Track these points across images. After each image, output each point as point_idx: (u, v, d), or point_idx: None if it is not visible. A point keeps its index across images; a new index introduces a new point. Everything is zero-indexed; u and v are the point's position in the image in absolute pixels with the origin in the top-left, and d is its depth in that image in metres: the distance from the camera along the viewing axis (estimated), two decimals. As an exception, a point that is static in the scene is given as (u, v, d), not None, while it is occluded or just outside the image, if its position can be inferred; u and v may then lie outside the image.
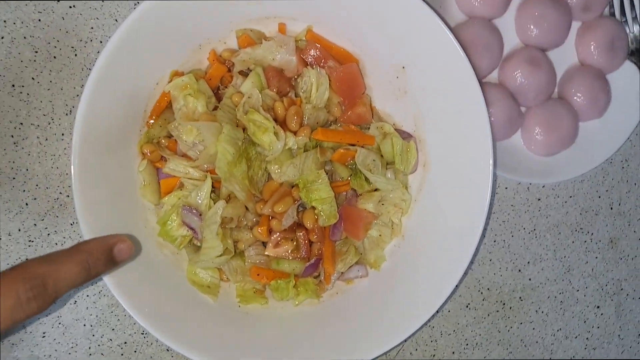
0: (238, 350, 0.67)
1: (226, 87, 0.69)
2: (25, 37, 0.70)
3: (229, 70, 0.69)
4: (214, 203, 0.65)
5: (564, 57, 0.82)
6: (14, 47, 0.70)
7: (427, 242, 0.71)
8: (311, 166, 0.67)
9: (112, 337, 0.74)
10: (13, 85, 0.70)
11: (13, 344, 0.71)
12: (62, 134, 0.71)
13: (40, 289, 0.46)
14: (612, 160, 0.86)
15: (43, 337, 0.72)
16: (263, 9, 0.68)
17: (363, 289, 0.72)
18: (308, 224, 0.68)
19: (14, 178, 0.70)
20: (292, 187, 0.68)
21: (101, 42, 0.72)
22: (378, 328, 0.68)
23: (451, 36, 0.64)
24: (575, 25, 0.82)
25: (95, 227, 0.62)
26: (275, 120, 0.66)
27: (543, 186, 0.84)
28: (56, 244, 0.72)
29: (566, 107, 0.80)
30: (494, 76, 0.81)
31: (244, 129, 0.66)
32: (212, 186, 0.66)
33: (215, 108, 0.67)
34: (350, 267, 0.71)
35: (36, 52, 0.70)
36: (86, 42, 0.71)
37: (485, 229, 0.81)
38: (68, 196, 0.72)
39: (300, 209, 0.69)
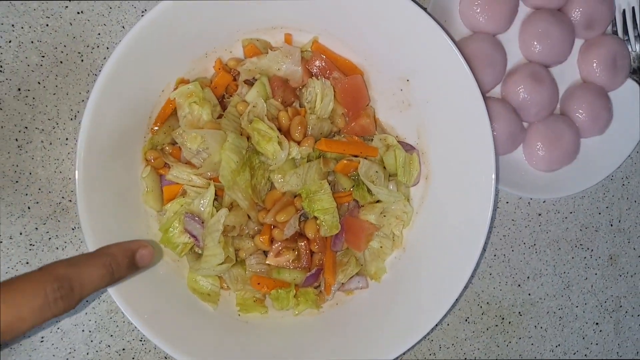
0: (237, 358, 0.67)
1: (231, 95, 0.69)
2: (32, 42, 0.70)
3: (235, 79, 0.70)
4: (217, 211, 0.65)
5: (567, 74, 0.83)
6: (21, 52, 0.70)
7: (428, 254, 0.71)
8: (314, 176, 0.67)
9: (111, 343, 0.73)
10: (19, 89, 0.70)
11: (11, 349, 0.71)
12: (67, 139, 0.72)
13: (67, 289, 0.47)
14: (613, 177, 0.87)
15: (41, 342, 0.72)
16: (270, 20, 0.68)
17: (363, 300, 0.72)
18: (310, 234, 0.68)
19: (17, 181, 0.70)
20: (295, 196, 0.68)
21: (108, 48, 0.72)
22: (377, 340, 0.68)
23: (456, 50, 0.64)
24: (578, 42, 0.83)
25: (98, 232, 0.62)
26: (280, 129, 0.67)
27: (544, 201, 0.85)
28: (57, 248, 0.72)
29: (568, 124, 0.81)
30: (497, 91, 0.81)
31: (248, 138, 0.66)
32: (215, 194, 0.66)
33: (220, 116, 0.68)
34: (350, 278, 0.72)
35: (43, 56, 0.71)
36: (93, 48, 0.72)
37: (485, 243, 0.81)
38: (70, 201, 0.72)
39: (302, 218, 0.69)
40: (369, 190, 0.70)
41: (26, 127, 0.71)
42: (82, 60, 0.72)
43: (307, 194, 0.67)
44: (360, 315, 0.71)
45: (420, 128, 0.72)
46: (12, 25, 0.70)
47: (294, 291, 0.70)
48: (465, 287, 0.78)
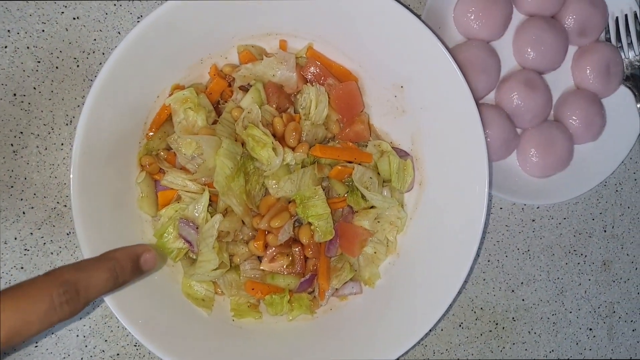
0: (231, 364, 0.67)
1: (226, 101, 0.70)
2: (28, 47, 0.71)
3: (230, 85, 0.70)
4: (211, 216, 0.65)
5: (560, 81, 0.83)
6: (17, 57, 0.70)
7: (421, 260, 0.71)
8: (308, 182, 0.68)
9: (105, 348, 0.73)
10: (14, 94, 0.70)
11: (5, 354, 0.71)
12: (62, 144, 0.72)
13: (73, 294, 0.48)
14: (606, 183, 0.87)
15: (35, 347, 0.72)
16: (265, 26, 0.69)
17: (357, 305, 0.73)
18: (304, 239, 0.68)
19: (12, 186, 0.70)
20: (289, 202, 0.68)
21: (103, 54, 0.72)
22: (371, 345, 0.69)
23: (449, 57, 0.65)
24: (572, 49, 0.83)
25: (92, 238, 0.62)
26: (274, 135, 0.67)
27: (538, 207, 0.85)
28: (52, 253, 0.72)
29: (561, 130, 0.81)
30: (490, 97, 0.82)
31: (243, 144, 0.67)
32: (210, 200, 0.66)
33: (215, 122, 0.68)
34: (344, 283, 0.72)
35: (39, 62, 0.71)
36: (89, 54, 0.72)
37: (479, 249, 0.82)
38: (65, 206, 0.72)
39: (297, 224, 0.69)
40: (363, 196, 0.71)
41: (21, 132, 0.71)
42: (77, 66, 0.72)
43: (301, 200, 0.67)
44: (354, 321, 0.71)
45: (415, 134, 0.72)
46: (8, 30, 0.70)
47: (288, 296, 0.70)
48: (459, 293, 0.78)
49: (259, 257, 0.70)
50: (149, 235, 0.68)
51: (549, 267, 0.86)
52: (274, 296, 0.69)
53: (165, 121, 0.68)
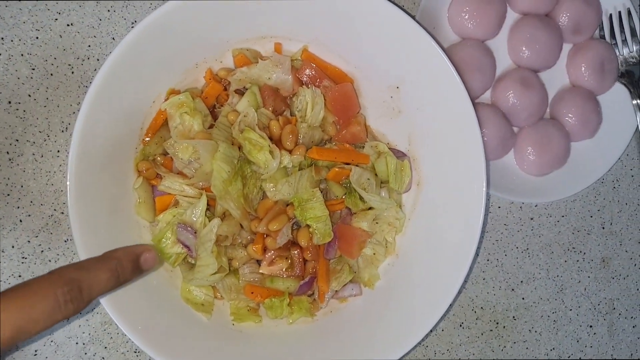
0: (231, 369, 0.67)
1: (222, 105, 0.70)
2: (22, 55, 0.70)
3: (225, 89, 0.70)
4: (209, 221, 0.65)
5: (556, 79, 0.83)
6: (11, 64, 0.70)
7: (421, 260, 0.71)
8: (306, 185, 0.67)
9: (105, 355, 0.73)
10: (9, 102, 0.70)
11: (7, 352, 0.70)
12: (58, 151, 0.72)
13: (76, 292, 0.49)
14: (604, 180, 0.87)
15: (35, 355, 0.71)
16: (259, 29, 0.69)
17: (357, 307, 0.72)
18: (302, 242, 0.68)
19: (8, 195, 0.70)
20: (287, 205, 0.68)
21: (98, 60, 0.72)
22: (372, 347, 0.68)
23: (444, 57, 0.65)
24: (567, 47, 0.83)
25: (90, 244, 0.62)
26: (271, 138, 0.67)
27: (536, 205, 0.85)
28: (49, 260, 0.71)
29: (558, 128, 0.81)
30: (486, 97, 0.82)
31: (240, 147, 0.67)
32: (207, 204, 0.66)
33: (211, 126, 0.68)
34: (344, 285, 0.72)
35: (33, 69, 0.71)
36: (83, 60, 0.72)
37: (478, 248, 0.82)
38: (62, 213, 0.72)
39: (295, 227, 0.69)
40: (361, 198, 0.71)
41: (17, 140, 0.70)
42: (72, 72, 0.72)
43: (299, 203, 0.67)
44: (354, 323, 0.71)
45: (411, 135, 0.72)
46: (2, 38, 0.70)
47: (288, 300, 0.70)
48: (459, 293, 0.78)
49: (257, 260, 0.69)
50: (147, 241, 0.68)
51: (548, 265, 0.86)
52: (273, 299, 0.69)
53: (161, 126, 0.68)
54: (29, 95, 0.71)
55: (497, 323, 0.84)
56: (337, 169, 0.70)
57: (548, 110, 0.84)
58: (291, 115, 0.70)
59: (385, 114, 0.73)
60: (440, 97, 0.68)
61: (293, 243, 0.69)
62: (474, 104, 0.67)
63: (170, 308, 0.68)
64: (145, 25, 0.61)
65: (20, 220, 0.71)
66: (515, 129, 0.82)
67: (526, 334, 0.85)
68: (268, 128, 0.68)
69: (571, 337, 0.87)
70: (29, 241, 0.71)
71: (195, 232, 0.65)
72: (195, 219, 0.65)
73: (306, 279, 0.69)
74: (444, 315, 0.68)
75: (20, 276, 0.71)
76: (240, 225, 0.67)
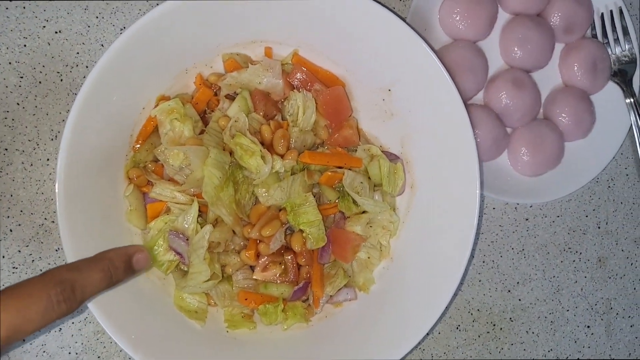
0: (226, 376, 0.67)
1: (213, 111, 0.69)
2: (10, 63, 0.70)
3: (216, 94, 0.70)
4: (201, 227, 0.64)
5: (548, 79, 0.83)
6: (-1, 73, 0.70)
7: (416, 263, 0.71)
8: (298, 189, 0.67)
9: (98, 365, 0.72)
10: (-2, 111, 0.70)
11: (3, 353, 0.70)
12: (47, 159, 0.71)
13: (69, 292, 0.50)
14: (599, 180, 0.87)
15: (27, 366, 0.71)
16: (249, 34, 0.68)
17: (352, 312, 0.72)
18: (296, 247, 0.67)
19: (-2, 204, 0.70)
20: (280, 210, 0.68)
21: (87, 67, 0.72)
22: (368, 352, 0.68)
23: (436, 59, 0.64)
24: (559, 47, 0.83)
25: (80, 253, 0.61)
26: (262, 143, 0.66)
27: (530, 206, 0.85)
28: (41, 270, 0.71)
29: (551, 128, 0.81)
30: (479, 98, 0.81)
31: (231, 153, 0.66)
32: (199, 210, 0.65)
33: (202, 132, 0.67)
34: (339, 290, 0.71)
35: (21, 77, 0.70)
36: (72, 67, 0.71)
37: (473, 250, 0.81)
38: (53, 222, 0.71)
39: (288, 232, 0.68)
40: (354, 201, 0.70)
41: (6, 149, 0.70)
42: (61, 80, 0.71)
43: (292, 207, 0.66)
44: (349, 328, 0.71)
45: (404, 137, 0.72)
46: (-10, 46, 0.69)
47: (282, 305, 0.69)
48: (455, 295, 0.77)
49: (251, 266, 0.69)
50: (138, 249, 0.67)
51: (544, 265, 0.85)
52: (267, 306, 0.69)
53: (151, 133, 0.68)
54: (18, 104, 0.70)
55: (494, 325, 0.84)
56: (329, 173, 0.69)
57: (541, 110, 0.83)
58: (282, 120, 0.70)
59: (378, 117, 0.73)
60: (432, 99, 0.67)
61: (286, 248, 0.68)
62: (467, 105, 0.66)
63: (163, 316, 0.67)
64: (133, 32, 0.61)
65: (11, 230, 0.70)
66: (509, 130, 0.82)
67: (523, 336, 0.85)
68: (259, 133, 0.67)
69: (569, 338, 0.86)
70: (19, 251, 0.70)
71: (187, 239, 0.65)
72: (187, 226, 0.65)
73: (300, 284, 0.69)
74: (440, 318, 0.67)
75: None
76: (233, 231, 0.67)
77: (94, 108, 0.61)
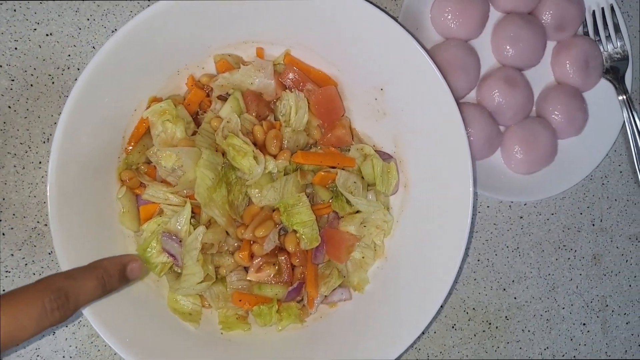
0: (221, 378, 0.66)
1: (205, 112, 0.69)
2: (1, 66, 0.70)
3: (208, 95, 0.69)
4: (194, 229, 0.64)
5: (541, 76, 0.83)
6: (-10, 76, 0.69)
7: (410, 263, 0.70)
8: (292, 189, 0.67)
9: (92, 368, 0.72)
10: (-11, 114, 0.69)
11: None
12: (40, 162, 0.71)
13: (63, 300, 0.50)
14: (592, 177, 0.87)
15: (20, 370, 0.70)
16: (241, 34, 0.68)
17: (347, 312, 0.72)
18: (290, 247, 0.67)
19: (-10, 208, 0.69)
20: (273, 211, 0.67)
21: (79, 69, 0.71)
22: (363, 352, 0.68)
23: (427, 58, 0.64)
24: (551, 45, 0.83)
25: (73, 256, 0.61)
26: (255, 144, 0.66)
27: (525, 204, 0.85)
28: (34, 274, 0.70)
29: (544, 126, 0.81)
30: (472, 96, 0.81)
31: (224, 154, 0.66)
32: (192, 212, 0.65)
33: (194, 133, 0.67)
34: (333, 290, 0.71)
35: (12, 80, 0.70)
36: (63, 70, 0.71)
37: (468, 248, 0.81)
38: (46, 225, 0.71)
39: (282, 232, 0.68)
40: (347, 201, 0.70)
41: (-2, 153, 0.70)
42: (52, 83, 0.71)
43: (285, 208, 0.66)
44: (344, 328, 0.70)
45: (397, 136, 0.72)
46: (-20, 50, 0.69)
47: (277, 306, 0.69)
48: (450, 294, 0.77)
49: (245, 267, 0.69)
50: (131, 251, 0.67)
51: (539, 263, 0.85)
52: (262, 307, 0.68)
53: (143, 134, 0.68)
54: (9, 107, 0.70)
55: (490, 324, 0.83)
56: (322, 173, 0.69)
57: (534, 108, 0.83)
58: (275, 120, 0.70)
59: (370, 116, 0.73)
60: (425, 98, 0.67)
61: (280, 249, 0.68)
62: (459, 104, 0.66)
63: (157, 319, 0.67)
64: (124, 33, 0.60)
65: (3, 234, 0.69)
66: (502, 128, 0.82)
67: (519, 334, 0.84)
68: (252, 133, 0.67)
69: (565, 336, 0.86)
70: (12, 255, 0.70)
71: (180, 241, 0.64)
72: (180, 227, 0.65)
73: (295, 285, 0.69)
74: (435, 316, 0.67)
75: (4, 290, 0.69)
76: (226, 232, 0.66)
77: (86, 110, 0.61)
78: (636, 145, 0.82)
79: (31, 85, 0.70)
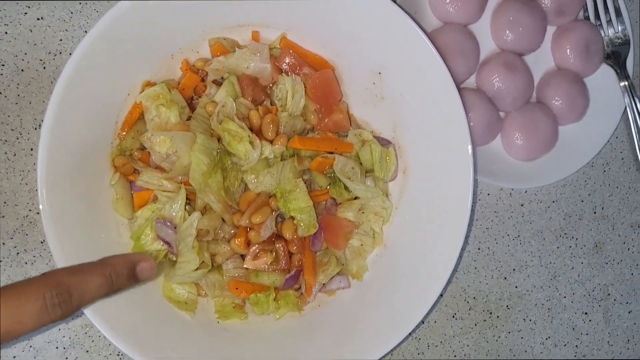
0: (217, 368, 0.65)
1: (200, 96, 0.68)
2: (-9, 51, 0.68)
3: (203, 80, 0.68)
4: (189, 215, 0.63)
5: (541, 61, 0.82)
6: (-20, 61, 0.68)
7: (409, 250, 0.69)
8: (288, 175, 0.66)
9: (87, 359, 0.71)
10: (-21, 100, 0.68)
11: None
12: (31, 149, 0.69)
13: (66, 296, 0.48)
14: (594, 164, 0.86)
15: (13, 361, 0.69)
16: (236, 17, 0.67)
17: (345, 300, 0.70)
18: (287, 234, 0.66)
19: (-20, 196, 0.68)
20: (270, 197, 0.66)
21: (70, 54, 0.69)
22: (362, 340, 0.66)
23: (427, 41, 0.63)
24: (551, 29, 0.82)
25: (66, 245, 0.60)
26: (251, 129, 0.65)
27: (525, 191, 0.84)
28: (26, 263, 0.69)
29: (545, 112, 0.80)
30: (471, 81, 0.80)
31: (219, 139, 0.65)
32: (187, 198, 0.64)
33: (189, 118, 0.66)
34: (331, 278, 0.70)
35: (3, 65, 0.68)
36: (55, 55, 0.70)
37: (468, 236, 0.80)
38: (38, 213, 0.69)
39: (279, 219, 0.67)
40: (345, 187, 0.69)
41: (-12, 139, 0.68)
42: (44, 68, 0.70)
43: (282, 194, 0.65)
44: (343, 316, 0.69)
45: (396, 122, 0.71)
46: (-30, 34, 0.68)
47: (274, 294, 0.67)
48: (450, 282, 0.76)
49: (241, 255, 0.67)
50: (125, 239, 0.66)
51: (540, 252, 0.84)
52: (259, 295, 0.67)
53: (137, 120, 0.66)
54: (0, 93, 0.68)
55: (491, 313, 0.82)
56: (320, 159, 0.68)
57: (534, 94, 0.82)
58: (271, 105, 0.68)
59: (369, 101, 0.71)
60: (424, 83, 0.66)
61: (277, 236, 0.67)
62: (459, 89, 0.65)
63: (152, 308, 0.66)
64: (113, 15, 0.59)
65: (-6, 222, 0.68)
66: (502, 114, 0.81)
67: (520, 323, 0.83)
68: (248, 118, 0.66)
69: (566, 325, 0.85)
70: (3, 243, 0.68)
71: (175, 228, 0.63)
72: (174, 214, 0.63)
73: (292, 273, 0.67)
74: (435, 305, 0.66)
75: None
76: (222, 219, 0.65)
77: (76, 95, 0.60)
78: (638, 131, 0.80)
79: (22, 70, 0.69)
